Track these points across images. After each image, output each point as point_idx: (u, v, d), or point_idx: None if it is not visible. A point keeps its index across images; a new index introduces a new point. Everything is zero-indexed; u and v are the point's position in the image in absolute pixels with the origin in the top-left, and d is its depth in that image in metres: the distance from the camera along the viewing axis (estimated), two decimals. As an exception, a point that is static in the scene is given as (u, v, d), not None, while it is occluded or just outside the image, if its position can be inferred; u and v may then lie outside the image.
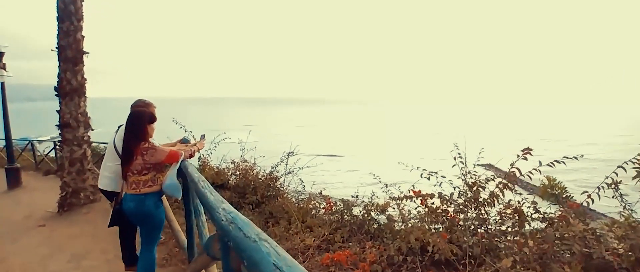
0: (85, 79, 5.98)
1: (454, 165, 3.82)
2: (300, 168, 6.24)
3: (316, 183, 7.11)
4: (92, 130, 6.12)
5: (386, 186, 4.23)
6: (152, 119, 2.82)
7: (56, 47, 5.78)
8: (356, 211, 4.46)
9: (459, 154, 3.77)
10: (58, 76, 5.85)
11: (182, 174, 2.86)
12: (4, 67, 8.40)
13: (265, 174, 6.15)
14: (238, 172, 6.24)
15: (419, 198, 3.58)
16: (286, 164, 6.27)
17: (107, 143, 8.20)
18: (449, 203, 3.59)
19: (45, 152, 11.74)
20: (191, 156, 3.04)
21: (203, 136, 3.34)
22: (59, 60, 5.82)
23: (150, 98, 3.39)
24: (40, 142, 13.75)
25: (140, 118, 2.74)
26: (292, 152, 6.01)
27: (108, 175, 3.10)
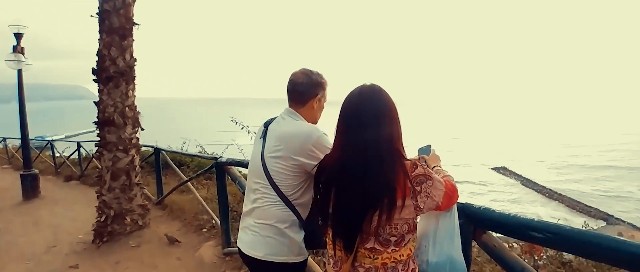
0: (135, 60, 4.31)
1: None
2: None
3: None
4: (142, 129, 4.41)
5: None
6: None
7: (97, 13, 4.15)
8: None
9: None
10: (98, 54, 4.18)
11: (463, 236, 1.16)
12: (22, 52, 6.87)
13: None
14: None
15: None
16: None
17: (148, 146, 5.86)
18: None
19: (67, 154, 10.19)
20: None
21: (428, 147, 1.56)
22: (100, 31, 4.16)
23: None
24: (56, 141, 12.32)
25: (389, 102, 1.06)
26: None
27: (261, 226, 1.31)
